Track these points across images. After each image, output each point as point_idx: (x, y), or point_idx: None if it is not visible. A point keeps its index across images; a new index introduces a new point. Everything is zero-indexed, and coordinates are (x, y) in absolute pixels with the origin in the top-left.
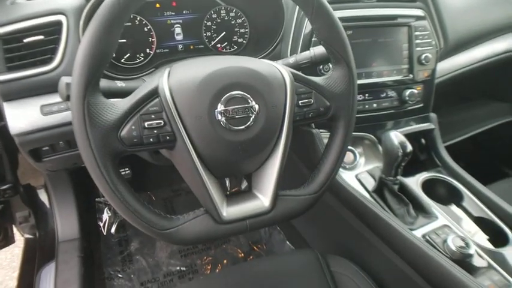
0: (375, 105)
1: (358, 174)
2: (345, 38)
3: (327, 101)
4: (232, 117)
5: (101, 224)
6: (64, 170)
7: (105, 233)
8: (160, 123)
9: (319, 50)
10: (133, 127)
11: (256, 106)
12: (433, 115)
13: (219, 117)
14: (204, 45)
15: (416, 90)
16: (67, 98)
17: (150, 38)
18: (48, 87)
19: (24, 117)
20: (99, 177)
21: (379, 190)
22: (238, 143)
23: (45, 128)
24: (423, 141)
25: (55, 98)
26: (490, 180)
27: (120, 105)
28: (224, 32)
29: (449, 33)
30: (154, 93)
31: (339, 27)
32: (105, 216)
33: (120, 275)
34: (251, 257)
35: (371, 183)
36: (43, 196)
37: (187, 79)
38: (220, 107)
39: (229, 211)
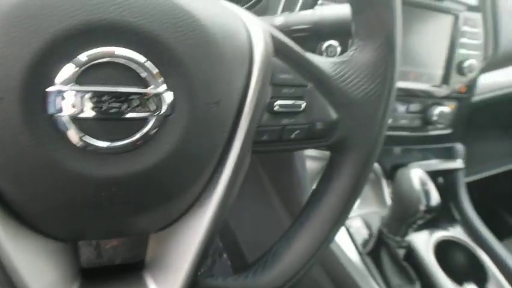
0: (390, 120)
1: (348, 221)
2: None
3: (333, 109)
4: (98, 116)
5: None
6: None
7: None
8: None
9: (330, 11)
10: None
11: (168, 95)
12: (460, 148)
13: (51, 108)
14: None
15: (448, 108)
16: None
17: None
18: None
19: None
20: None
21: (376, 252)
22: (104, 182)
23: None
24: (440, 180)
25: None
26: None
27: None
28: None
29: (502, 40)
30: None
31: None
32: None
33: None
34: None
35: (363, 237)
36: None
37: None
38: (61, 85)
39: None
